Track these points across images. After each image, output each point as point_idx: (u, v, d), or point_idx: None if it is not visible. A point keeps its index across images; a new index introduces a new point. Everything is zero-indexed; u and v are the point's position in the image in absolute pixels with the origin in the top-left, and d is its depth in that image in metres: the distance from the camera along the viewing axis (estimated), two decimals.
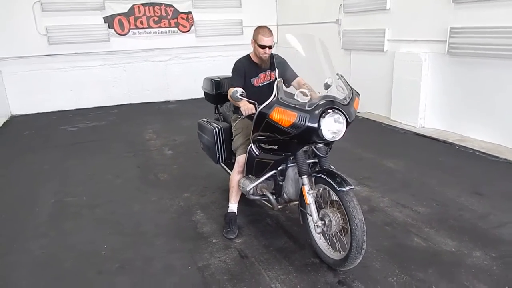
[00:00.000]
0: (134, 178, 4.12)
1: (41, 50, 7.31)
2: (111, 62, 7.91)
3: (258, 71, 3.02)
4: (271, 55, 3.01)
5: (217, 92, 3.58)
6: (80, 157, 4.88)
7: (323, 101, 2.32)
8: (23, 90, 7.41)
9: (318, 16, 7.28)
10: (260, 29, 2.89)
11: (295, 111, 2.28)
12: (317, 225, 2.41)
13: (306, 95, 2.35)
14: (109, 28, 7.63)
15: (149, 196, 3.64)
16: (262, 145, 2.65)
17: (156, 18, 7.94)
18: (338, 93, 2.49)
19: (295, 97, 2.32)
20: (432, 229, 2.90)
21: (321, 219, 2.43)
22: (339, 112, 2.30)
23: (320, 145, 2.52)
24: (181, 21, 8.15)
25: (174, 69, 8.40)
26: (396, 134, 5.36)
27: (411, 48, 5.42)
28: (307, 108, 2.29)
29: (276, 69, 2.72)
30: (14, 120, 7.18)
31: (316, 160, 2.59)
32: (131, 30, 7.82)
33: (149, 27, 7.94)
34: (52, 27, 7.24)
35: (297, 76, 3.02)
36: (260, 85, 3.03)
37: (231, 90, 2.62)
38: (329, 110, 2.27)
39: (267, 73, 3.05)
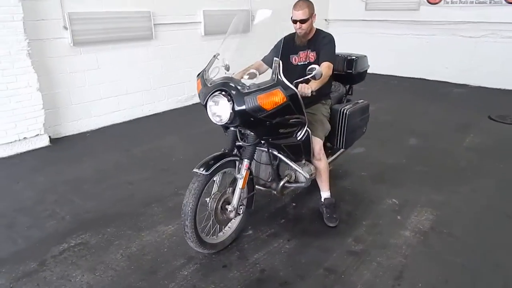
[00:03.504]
0: None
1: (358, 15, 8.24)
2: (415, 33, 7.65)
3: (298, 48, 2.86)
4: (317, 32, 2.77)
5: (347, 71, 3.41)
6: None
7: (218, 82, 2.25)
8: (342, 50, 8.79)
9: None
10: (296, 1, 2.71)
11: (201, 86, 2.37)
12: None
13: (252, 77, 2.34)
14: None
15: None
16: None
17: None
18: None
19: None
20: None
21: None
22: (225, 96, 2.17)
23: (249, 132, 2.38)
24: None
25: (487, 48, 6.94)
26: None
27: None
28: (209, 85, 2.32)
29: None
30: None
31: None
32: None
33: None
34: None
35: (326, 60, 2.64)
36: (299, 64, 2.86)
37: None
38: (215, 92, 2.20)
39: (307, 52, 2.83)
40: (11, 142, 3.94)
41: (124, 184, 3.39)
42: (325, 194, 2.87)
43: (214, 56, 2.50)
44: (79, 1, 4.34)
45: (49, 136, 4.31)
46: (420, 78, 7.72)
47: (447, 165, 3.75)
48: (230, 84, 2.21)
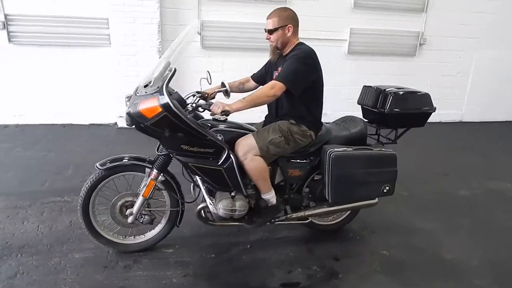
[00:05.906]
0: None
1: None
2: None
3: (278, 64, 2.44)
4: (296, 46, 2.35)
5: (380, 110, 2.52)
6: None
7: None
8: None
9: None
10: None
11: None
12: None
13: None
14: None
15: None
16: None
17: None
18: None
19: None
20: None
21: None
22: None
23: None
24: None
25: None
26: None
27: None
28: None
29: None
30: None
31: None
32: None
33: None
34: None
35: (276, 79, 2.18)
36: None
37: None
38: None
39: (281, 68, 2.36)
40: None
41: None
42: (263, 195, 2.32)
43: (167, 63, 2.42)
44: (213, 11, 4.92)
45: None
46: None
47: None
48: (137, 88, 2.16)
